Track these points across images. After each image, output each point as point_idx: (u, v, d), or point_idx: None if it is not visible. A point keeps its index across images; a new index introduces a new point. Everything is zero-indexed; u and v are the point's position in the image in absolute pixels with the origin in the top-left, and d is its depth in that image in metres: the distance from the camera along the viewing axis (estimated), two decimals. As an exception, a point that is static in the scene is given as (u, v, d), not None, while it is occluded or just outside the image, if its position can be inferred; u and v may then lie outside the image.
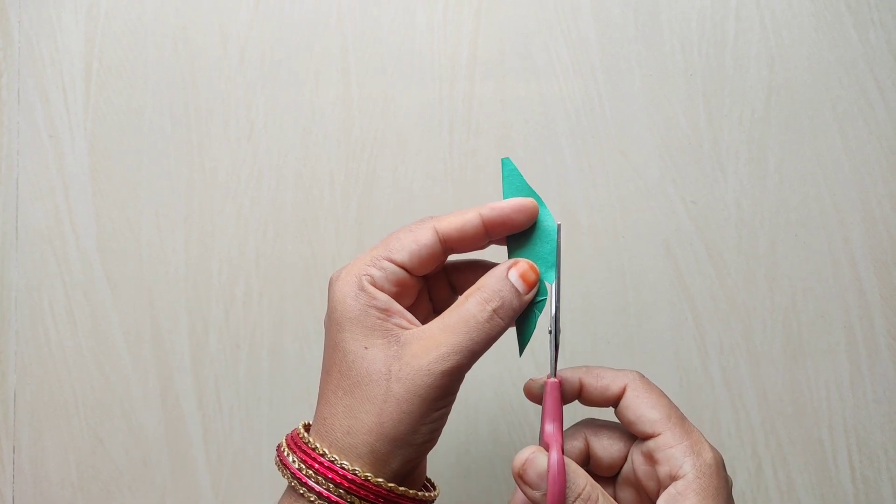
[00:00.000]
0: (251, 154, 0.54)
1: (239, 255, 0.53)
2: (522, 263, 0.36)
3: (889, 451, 0.52)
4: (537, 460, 0.34)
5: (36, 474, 0.52)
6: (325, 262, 0.53)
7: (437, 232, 0.35)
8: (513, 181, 0.37)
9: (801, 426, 0.52)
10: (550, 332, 0.37)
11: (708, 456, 0.34)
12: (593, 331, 0.53)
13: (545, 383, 0.36)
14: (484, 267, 0.38)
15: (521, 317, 0.37)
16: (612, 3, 0.54)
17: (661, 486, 0.34)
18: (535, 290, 0.36)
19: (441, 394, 0.33)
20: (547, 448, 0.34)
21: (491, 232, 0.36)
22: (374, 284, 0.34)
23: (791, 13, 0.54)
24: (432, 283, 0.39)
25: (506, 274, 0.35)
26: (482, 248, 0.37)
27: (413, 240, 0.35)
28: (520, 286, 0.35)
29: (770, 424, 0.52)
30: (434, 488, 0.37)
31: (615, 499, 0.37)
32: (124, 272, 0.53)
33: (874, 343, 0.53)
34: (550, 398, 0.36)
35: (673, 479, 0.34)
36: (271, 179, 0.54)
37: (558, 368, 0.37)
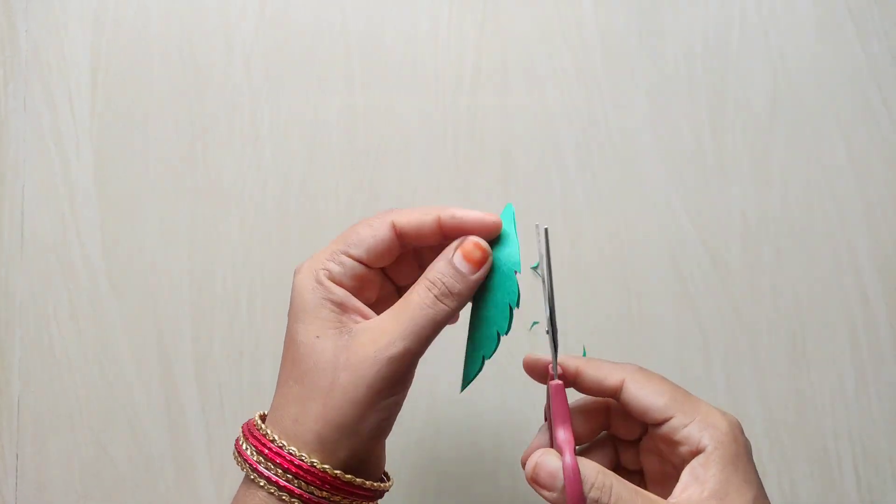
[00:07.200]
0: (256, 162, 0.54)
1: (243, 263, 0.53)
2: (467, 242, 0.35)
3: (894, 459, 0.52)
4: (547, 462, 0.34)
5: (39, 481, 0.52)
6: (330, 271, 0.53)
7: (394, 227, 0.36)
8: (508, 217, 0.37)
9: (806, 435, 0.52)
10: (548, 332, 0.36)
11: (722, 424, 0.34)
12: (597, 340, 0.53)
13: (549, 386, 0.36)
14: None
15: (468, 350, 0.36)
16: (615, 13, 0.55)
17: (685, 463, 0.35)
18: (484, 269, 0.35)
19: (389, 382, 0.34)
20: (560, 451, 0.34)
21: (448, 235, 0.36)
22: (333, 279, 0.35)
23: (794, 23, 0.55)
24: (396, 269, 0.39)
25: (451, 256, 0.35)
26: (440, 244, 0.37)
27: (371, 234, 0.36)
28: (464, 267, 0.35)
29: (775, 433, 0.52)
30: (388, 479, 0.37)
31: (641, 464, 0.38)
32: (129, 280, 0.53)
33: (879, 351, 0.52)
34: (556, 400, 0.35)
35: (695, 454, 0.34)
36: (276, 188, 0.54)
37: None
